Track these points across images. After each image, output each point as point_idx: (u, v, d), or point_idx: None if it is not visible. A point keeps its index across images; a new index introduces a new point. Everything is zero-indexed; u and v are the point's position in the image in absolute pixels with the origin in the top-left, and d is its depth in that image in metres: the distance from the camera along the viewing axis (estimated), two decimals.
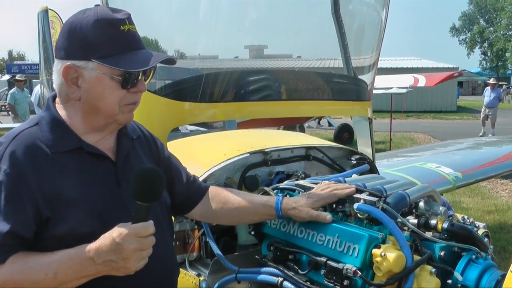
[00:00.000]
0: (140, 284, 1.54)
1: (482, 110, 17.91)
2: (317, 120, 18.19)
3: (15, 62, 42.35)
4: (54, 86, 1.58)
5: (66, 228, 1.43)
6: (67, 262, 1.38)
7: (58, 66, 1.53)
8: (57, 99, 1.59)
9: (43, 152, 1.48)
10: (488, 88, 17.90)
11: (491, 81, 18.56)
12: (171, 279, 1.74)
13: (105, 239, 1.36)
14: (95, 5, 1.57)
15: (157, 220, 1.62)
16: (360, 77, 3.23)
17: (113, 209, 1.52)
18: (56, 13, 9.61)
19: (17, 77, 12.89)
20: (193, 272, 2.21)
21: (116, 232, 1.35)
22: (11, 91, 12.64)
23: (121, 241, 1.34)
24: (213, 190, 1.96)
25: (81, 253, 1.38)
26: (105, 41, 1.48)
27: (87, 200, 1.49)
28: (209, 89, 2.52)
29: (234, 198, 1.92)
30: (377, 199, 1.81)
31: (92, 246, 1.37)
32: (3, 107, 25.01)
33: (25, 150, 1.46)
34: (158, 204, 1.66)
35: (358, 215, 1.82)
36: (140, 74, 1.54)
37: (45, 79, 9.75)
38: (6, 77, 32.80)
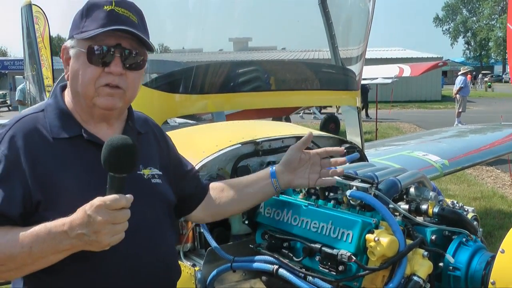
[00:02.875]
0: (140, 284, 1.52)
1: (463, 99, 16.33)
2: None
3: None
4: None
5: (57, 214, 1.38)
6: (43, 236, 1.35)
7: None
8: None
9: (44, 137, 1.51)
10: (464, 77, 16.66)
11: (467, 69, 17.40)
12: (171, 279, 1.70)
13: (78, 212, 1.33)
14: None
15: (158, 219, 1.62)
16: (348, 67, 3.26)
17: None
18: (40, 8, 9.46)
19: None
20: (188, 263, 2.21)
21: (89, 204, 1.31)
22: (19, 87, 12.61)
23: (91, 213, 1.29)
24: (211, 186, 1.93)
25: (56, 226, 1.35)
26: (87, 19, 1.53)
27: (81, 188, 1.46)
28: (199, 81, 2.53)
29: (231, 183, 1.92)
30: (369, 185, 1.83)
31: (67, 219, 1.34)
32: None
33: (24, 135, 1.49)
34: (160, 203, 1.65)
35: (351, 201, 1.84)
36: (115, 53, 1.51)
37: (30, 74, 9.62)
38: None
